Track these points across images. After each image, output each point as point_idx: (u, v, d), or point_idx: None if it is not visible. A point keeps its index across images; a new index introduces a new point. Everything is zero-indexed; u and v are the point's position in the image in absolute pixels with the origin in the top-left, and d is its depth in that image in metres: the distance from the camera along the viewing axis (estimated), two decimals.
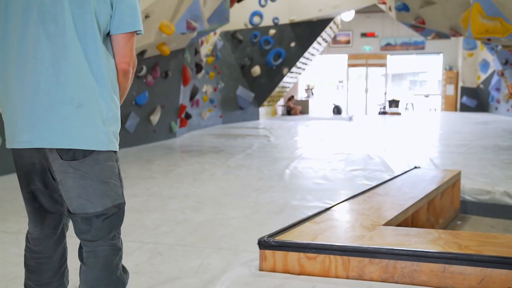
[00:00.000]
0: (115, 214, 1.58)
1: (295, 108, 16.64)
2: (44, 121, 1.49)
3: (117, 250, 1.60)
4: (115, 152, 1.60)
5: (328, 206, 3.07)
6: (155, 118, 8.04)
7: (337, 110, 17.77)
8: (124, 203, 1.62)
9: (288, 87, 15.57)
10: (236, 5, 11.25)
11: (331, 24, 13.55)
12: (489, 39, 7.28)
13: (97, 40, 1.51)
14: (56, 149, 1.50)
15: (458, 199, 4.42)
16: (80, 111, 1.49)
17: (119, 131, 1.61)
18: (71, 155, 1.50)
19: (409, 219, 3.17)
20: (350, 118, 14.74)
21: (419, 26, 9.69)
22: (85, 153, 1.51)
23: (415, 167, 4.70)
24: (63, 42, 1.49)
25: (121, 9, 1.54)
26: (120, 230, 1.64)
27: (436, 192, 3.76)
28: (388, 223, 2.70)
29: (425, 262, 2.04)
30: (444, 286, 2.01)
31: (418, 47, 19.15)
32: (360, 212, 2.93)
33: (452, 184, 4.24)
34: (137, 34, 1.62)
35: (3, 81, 1.56)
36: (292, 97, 17.17)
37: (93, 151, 1.52)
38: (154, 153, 6.87)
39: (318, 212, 2.85)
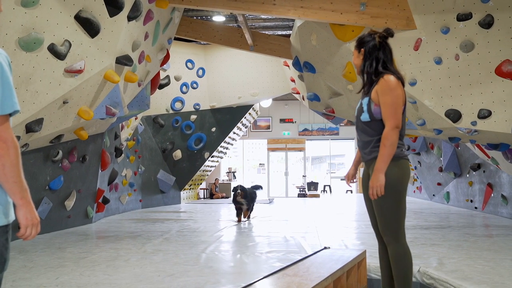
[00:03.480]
0: None
1: (218, 194, 16.79)
2: None
3: None
4: (1, 226, 1.73)
5: None
6: (70, 203, 7.81)
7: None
8: None
9: (210, 171, 15.80)
10: (158, 91, 11.61)
11: (251, 110, 14.25)
12: None
13: None
14: None
15: (365, 277, 4.67)
16: None
17: (8, 207, 1.76)
18: None
19: None
20: (271, 201, 15.09)
21: (329, 114, 10.50)
22: None
23: (325, 248, 4.94)
24: None
25: None
26: None
27: (342, 271, 3.98)
28: None
29: None
30: None
31: (332, 132, 20.47)
32: None
33: (358, 263, 4.50)
34: (11, 115, 1.73)
35: None
36: (217, 179, 17.36)
37: None
38: (67, 240, 6.62)
39: None
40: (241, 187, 8.94)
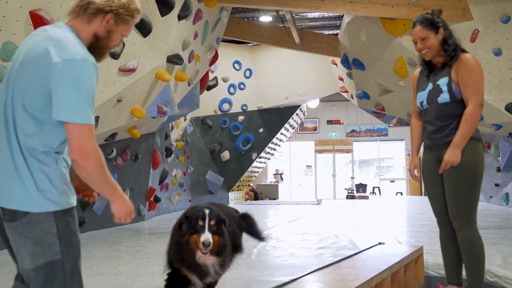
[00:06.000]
0: (49, 271, 1.68)
1: (262, 195, 16.50)
2: None
3: None
4: (55, 212, 1.70)
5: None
6: None
7: None
8: (59, 260, 1.70)
9: (258, 172, 15.81)
10: (206, 92, 11.75)
11: (298, 111, 14.18)
12: None
13: (17, 118, 1.72)
14: (2, 209, 1.70)
15: (422, 274, 4.51)
16: (15, 177, 1.68)
17: (63, 192, 1.74)
18: (9, 216, 1.68)
19: None
20: (319, 202, 14.93)
21: (379, 112, 10.27)
22: (22, 215, 1.66)
23: (380, 243, 4.81)
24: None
25: (56, 95, 1.68)
26: None
27: (399, 265, 3.86)
28: None
29: None
30: None
31: (381, 133, 20.03)
32: (324, 282, 2.99)
33: (415, 258, 4.35)
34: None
35: None
36: (249, 186, 16.69)
37: (28, 212, 1.67)
38: (122, 235, 6.79)
39: (283, 284, 2.89)
40: (213, 215, 2.64)
